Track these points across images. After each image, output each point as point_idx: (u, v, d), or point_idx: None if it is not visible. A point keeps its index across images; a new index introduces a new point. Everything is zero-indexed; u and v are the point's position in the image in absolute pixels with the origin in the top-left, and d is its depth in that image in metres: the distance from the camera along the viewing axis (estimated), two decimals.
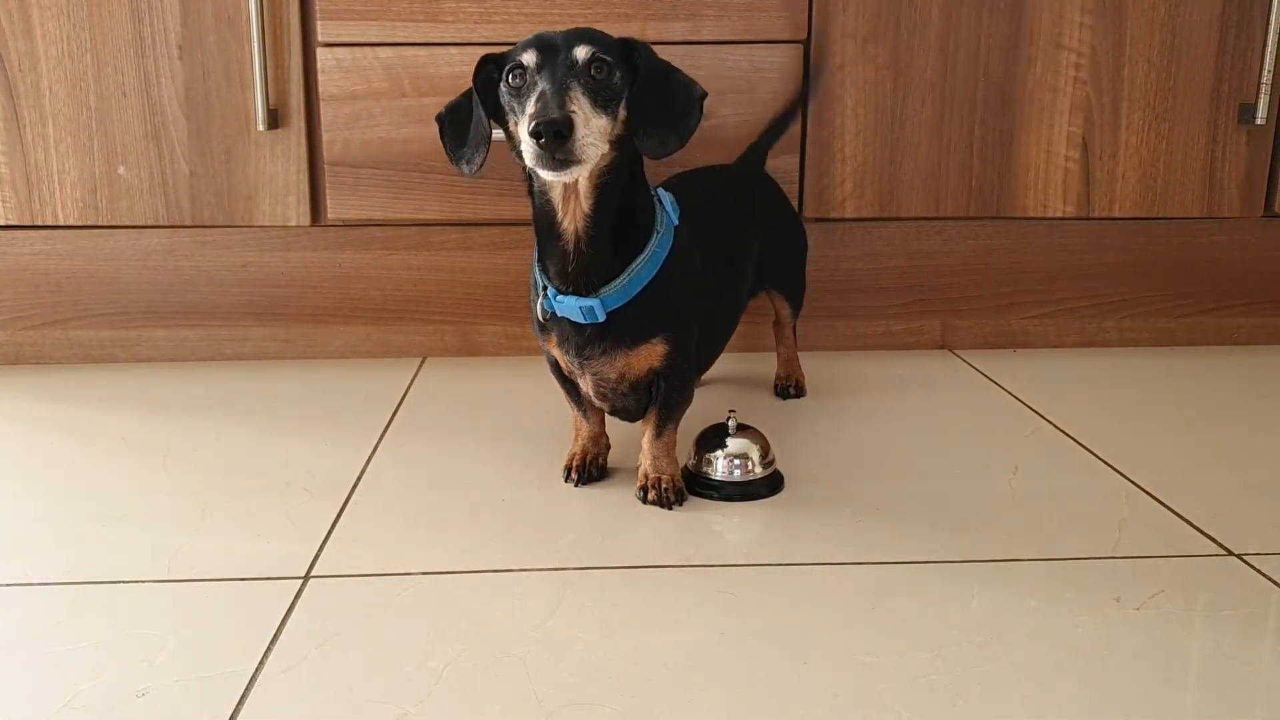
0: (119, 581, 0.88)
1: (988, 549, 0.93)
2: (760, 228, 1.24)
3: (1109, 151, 1.47)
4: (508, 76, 0.91)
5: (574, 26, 0.95)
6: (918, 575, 0.89)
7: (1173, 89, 1.46)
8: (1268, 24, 1.42)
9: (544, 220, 0.96)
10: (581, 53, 0.89)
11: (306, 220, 1.45)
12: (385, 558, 0.92)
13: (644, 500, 1.03)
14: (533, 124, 0.84)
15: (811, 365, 1.43)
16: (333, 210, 1.44)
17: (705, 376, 1.36)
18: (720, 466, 1.04)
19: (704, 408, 1.18)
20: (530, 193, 0.97)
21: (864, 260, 1.51)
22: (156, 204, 1.44)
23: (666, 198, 1.02)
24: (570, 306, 0.96)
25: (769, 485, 1.05)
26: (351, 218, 1.46)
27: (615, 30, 1.37)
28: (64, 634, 0.80)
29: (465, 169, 0.95)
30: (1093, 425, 1.23)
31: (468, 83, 1.38)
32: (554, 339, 1.01)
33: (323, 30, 1.38)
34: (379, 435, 1.22)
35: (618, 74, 0.90)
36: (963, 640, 0.79)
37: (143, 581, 0.88)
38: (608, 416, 1.10)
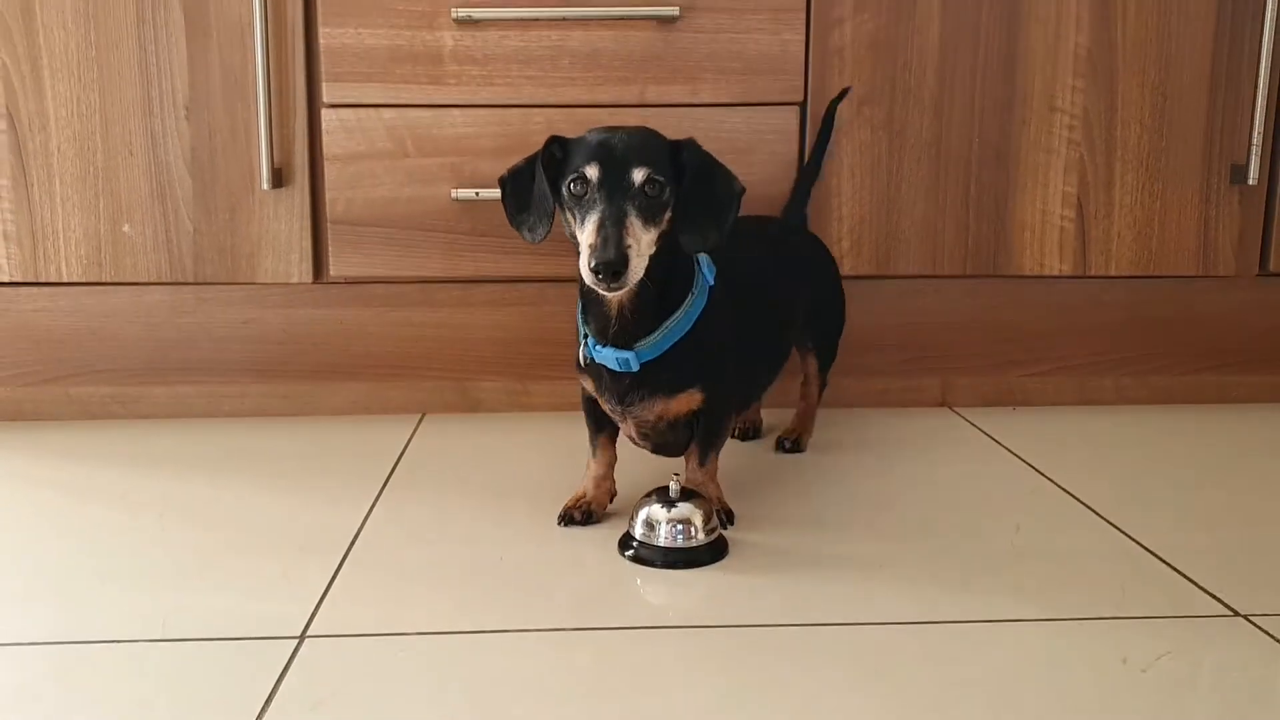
0: (112, 641, 0.87)
1: (991, 609, 0.92)
2: (804, 282, 1.30)
3: (1104, 211, 1.49)
4: (570, 184, 0.98)
5: (634, 129, 1.01)
6: (921, 635, 0.88)
7: (1165, 150, 1.48)
8: (1255, 87, 1.45)
9: (589, 289, 1.01)
10: (639, 175, 0.96)
11: (309, 278, 1.46)
12: (382, 617, 0.91)
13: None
14: (593, 261, 0.93)
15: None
16: (335, 268, 1.45)
17: None
18: (663, 532, 1.03)
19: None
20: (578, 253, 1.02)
21: (862, 317, 1.52)
22: (160, 261, 1.45)
23: (704, 258, 1.08)
24: (607, 356, 1.04)
25: (712, 552, 1.03)
26: (354, 275, 1.46)
27: (615, 93, 1.41)
28: (56, 694, 0.79)
29: (527, 236, 1.03)
30: (1094, 483, 1.23)
31: (471, 143, 1.42)
32: (593, 382, 1.09)
33: (328, 92, 1.41)
34: (377, 492, 1.21)
35: (668, 189, 0.98)
36: (966, 702, 0.77)
37: (136, 641, 0.87)
38: (617, 461, 1.15)
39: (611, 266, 0.93)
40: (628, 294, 1.00)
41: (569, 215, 1.00)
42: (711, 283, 1.07)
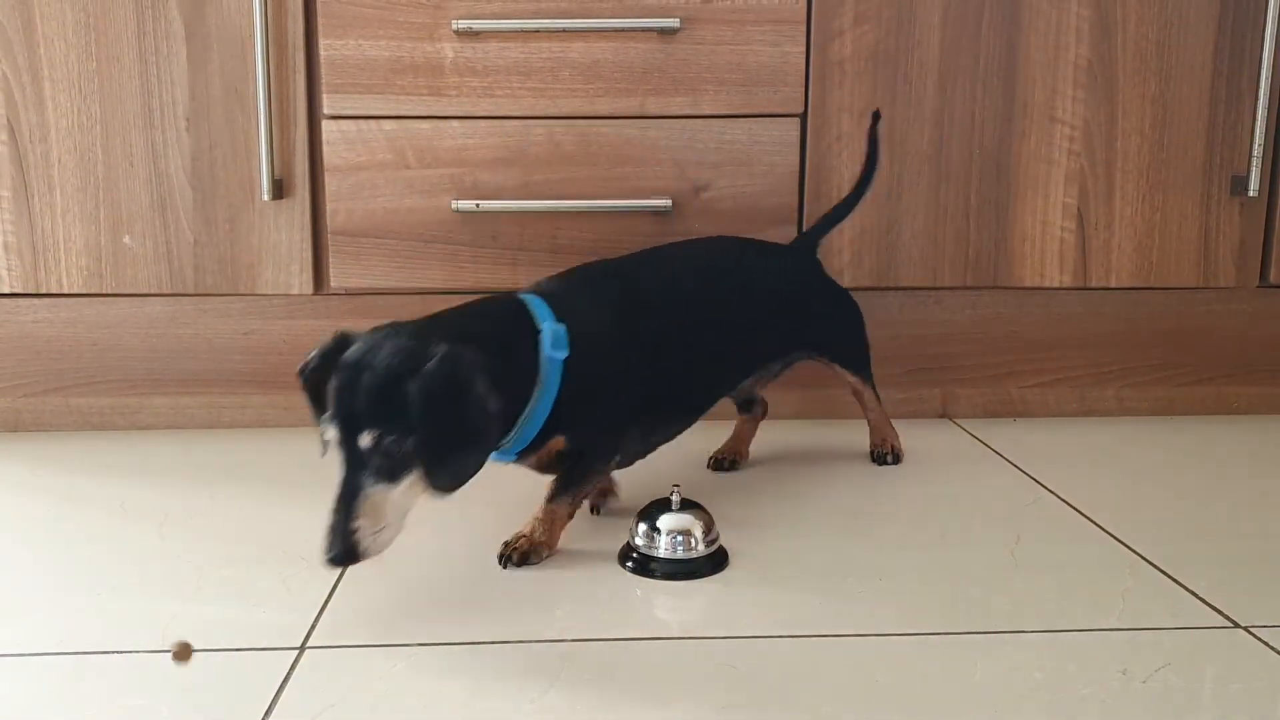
0: (112, 651, 0.87)
1: (991, 620, 0.92)
2: (760, 299, 1.25)
3: (1104, 222, 1.49)
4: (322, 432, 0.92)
5: (391, 350, 0.90)
6: (920, 647, 0.88)
7: (1165, 161, 1.48)
8: (1256, 99, 1.45)
9: None
10: (366, 441, 0.88)
11: (309, 289, 1.46)
12: (382, 628, 0.91)
13: (499, 556, 1.04)
14: (325, 557, 0.87)
15: (809, 433, 1.43)
16: (335, 279, 1.46)
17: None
18: (662, 543, 1.02)
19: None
20: None
21: None
22: (160, 272, 1.45)
23: (548, 336, 1.00)
24: None
25: (712, 563, 1.03)
26: (354, 286, 1.47)
27: (615, 105, 1.41)
28: (55, 705, 0.79)
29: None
30: (1094, 495, 1.23)
31: (471, 154, 1.42)
32: None
33: (328, 103, 1.41)
34: None
35: (409, 439, 0.88)
36: (966, 714, 0.77)
37: (136, 651, 0.87)
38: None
39: (338, 562, 0.87)
40: None
41: None
42: (563, 355, 1.00)
